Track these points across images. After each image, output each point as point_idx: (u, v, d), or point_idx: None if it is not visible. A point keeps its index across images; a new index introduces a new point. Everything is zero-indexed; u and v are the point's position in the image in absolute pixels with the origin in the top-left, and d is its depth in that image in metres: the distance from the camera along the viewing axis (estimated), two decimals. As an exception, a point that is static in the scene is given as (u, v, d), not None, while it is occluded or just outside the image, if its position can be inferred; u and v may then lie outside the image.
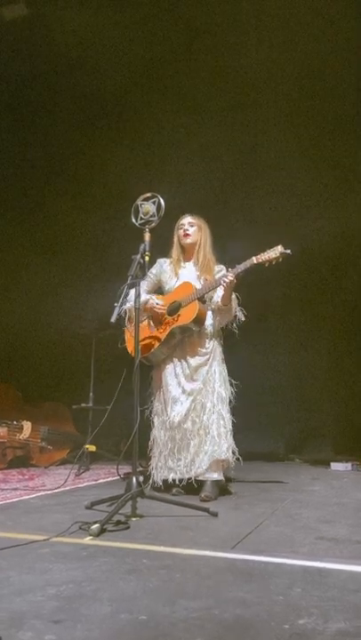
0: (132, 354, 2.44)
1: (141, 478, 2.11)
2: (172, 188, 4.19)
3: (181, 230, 2.94)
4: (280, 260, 2.55)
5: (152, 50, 4.08)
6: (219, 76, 4.22)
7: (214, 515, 2.09)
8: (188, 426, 2.66)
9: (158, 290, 3.01)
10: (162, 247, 2.91)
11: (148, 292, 2.96)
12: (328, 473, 3.70)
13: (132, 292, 2.53)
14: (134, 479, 2.06)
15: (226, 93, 4.30)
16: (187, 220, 2.94)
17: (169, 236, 2.97)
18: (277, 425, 4.50)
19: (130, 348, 2.76)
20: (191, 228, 2.92)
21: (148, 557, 1.52)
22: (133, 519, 2.02)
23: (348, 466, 3.86)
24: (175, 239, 2.98)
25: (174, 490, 2.65)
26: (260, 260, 2.57)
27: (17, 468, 3.93)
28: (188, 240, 2.92)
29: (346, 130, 4.20)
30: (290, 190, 4.43)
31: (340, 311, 4.44)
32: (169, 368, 2.79)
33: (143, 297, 2.74)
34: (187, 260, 2.98)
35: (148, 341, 2.82)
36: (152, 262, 2.24)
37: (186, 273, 2.91)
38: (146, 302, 2.78)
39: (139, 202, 2.41)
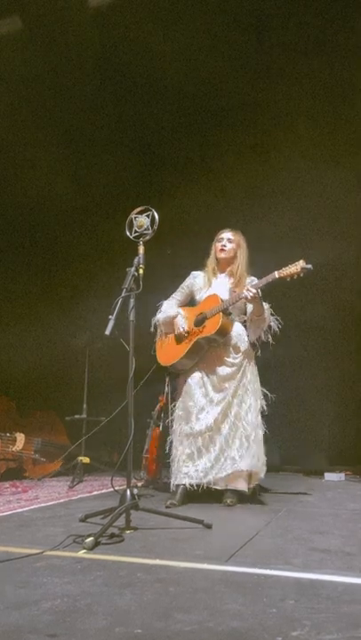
0: (162, 363, 2.86)
1: (135, 491, 2.11)
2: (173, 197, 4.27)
3: (219, 244, 3.05)
4: (301, 275, 2.60)
5: (152, 50, 4.13)
6: (218, 74, 4.27)
7: (209, 527, 2.09)
8: (211, 434, 2.71)
9: (191, 301, 3.14)
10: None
11: (181, 303, 3.13)
12: (322, 483, 3.72)
13: (165, 304, 2.98)
14: (128, 491, 2.06)
15: (226, 93, 4.37)
16: (226, 235, 3.05)
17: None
18: (273, 435, 4.49)
19: (159, 356, 2.99)
20: (229, 244, 3.03)
21: (143, 571, 1.52)
22: (127, 532, 2.01)
23: (342, 476, 3.88)
24: (212, 250, 3.10)
25: (168, 502, 2.66)
26: (282, 275, 2.65)
27: (10, 480, 3.89)
28: (223, 255, 3.03)
29: (346, 130, 4.25)
30: (289, 190, 4.48)
31: (340, 311, 4.45)
32: (195, 377, 2.86)
33: (173, 311, 3.00)
34: (221, 270, 3.08)
35: (174, 350, 2.93)
36: (146, 275, 2.27)
37: (218, 283, 3.02)
38: (173, 317, 2.99)
39: (133, 215, 2.44)
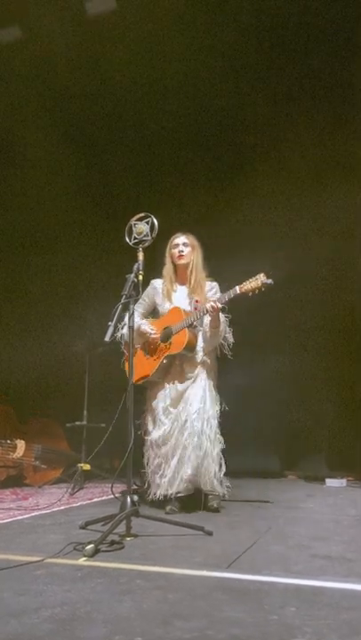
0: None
1: (135, 497, 2.10)
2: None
3: (176, 250, 2.96)
4: (262, 289, 2.54)
5: (151, 50, 4.14)
6: (218, 74, 4.28)
7: (209, 534, 2.08)
8: (168, 448, 2.69)
9: (154, 311, 3.04)
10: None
11: (144, 315, 3.01)
12: (323, 489, 3.70)
13: (126, 316, 2.62)
14: (128, 498, 2.06)
15: (226, 93, 4.37)
16: (181, 241, 2.96)
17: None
18: (273, 441, 4.48)
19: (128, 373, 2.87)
20: (186, 248, 2.94)
21: (143, 578, 1.52)
22: (128, 539, 2.00)
23: (343, 482, 3.85)
24: (168, 258, 2.99)
25: (168, 508, 2.65)
26: (244, 290, 2.58)
27: (11, 487, 3.87)
28: (183, 261, 2.94)
29: (346, 130, 4.23)
30: (289, 190, 4.47)
31: (340, 311, 4.44)
32: (161, 390, 2.83)
33: (136, 323, 2.79)
34: (180, 280, 3.00)
35: (143, 367, 2.86)
36: (146, 282, 2.26)
37: (178, 296, 2.94)
38: (138, 328, 2.82)
39: (132, 222, 2.44)
